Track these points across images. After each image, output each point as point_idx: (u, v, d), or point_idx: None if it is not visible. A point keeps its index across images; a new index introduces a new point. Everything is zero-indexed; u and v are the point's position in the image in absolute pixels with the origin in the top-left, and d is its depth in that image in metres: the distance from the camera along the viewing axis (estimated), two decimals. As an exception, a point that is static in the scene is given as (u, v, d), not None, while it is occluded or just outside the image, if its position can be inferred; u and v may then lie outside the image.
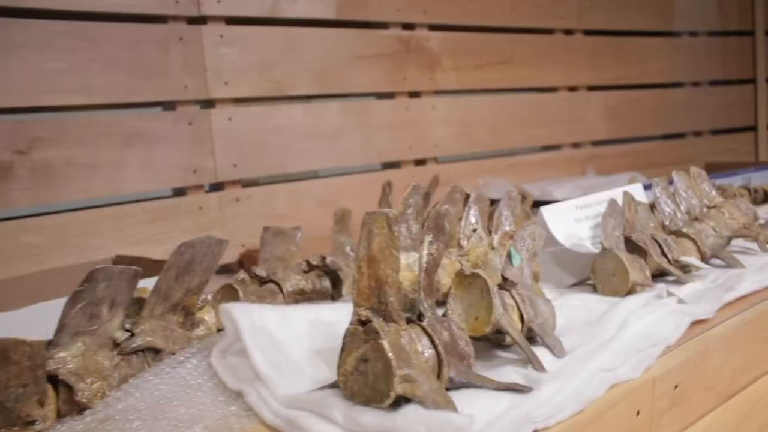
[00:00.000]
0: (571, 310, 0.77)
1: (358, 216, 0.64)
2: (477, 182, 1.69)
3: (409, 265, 0.78)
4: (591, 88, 1.95)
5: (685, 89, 2.17)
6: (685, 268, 0.93)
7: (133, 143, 1.26)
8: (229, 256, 1.28)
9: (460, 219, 0.94)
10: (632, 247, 0.90)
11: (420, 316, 0.59)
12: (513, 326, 0.63)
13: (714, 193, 1.12)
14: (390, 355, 0.53)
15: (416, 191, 0.84)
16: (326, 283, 0.94)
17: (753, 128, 2.33)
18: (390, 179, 1.05)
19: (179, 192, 1.33)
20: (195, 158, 1.33)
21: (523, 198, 1.48)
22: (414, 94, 1.61)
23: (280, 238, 0.95)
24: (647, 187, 1.76)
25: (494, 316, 0.62)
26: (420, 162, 1.63)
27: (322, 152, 1.47)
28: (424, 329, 0.58)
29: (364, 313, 0.56)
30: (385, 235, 0.56)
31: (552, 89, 1.88)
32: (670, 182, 1.08)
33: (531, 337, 0.67)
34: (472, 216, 0.92)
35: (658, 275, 0.92)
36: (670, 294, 0.80)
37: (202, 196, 1.35)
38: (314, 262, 0.89)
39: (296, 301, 0.86)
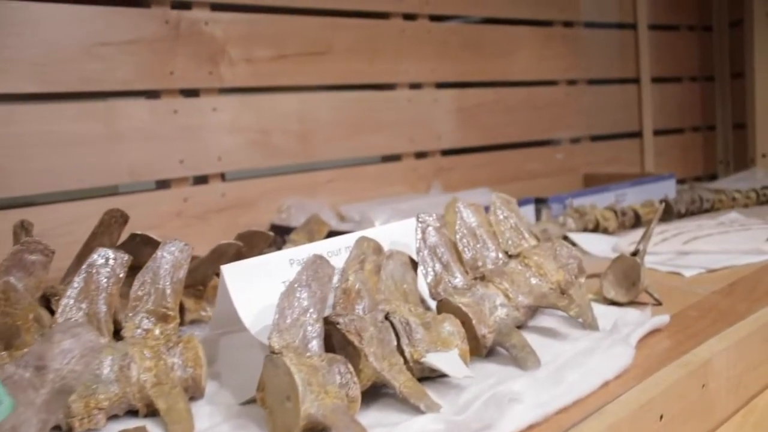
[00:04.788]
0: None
1: None
2: (280, 205, 1.34)
3: None
4: (439, 86, 1.60)
5: (559, 88, 1.85)
6: (437, 373, 0.59)
7: None
8: None
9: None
10: (341, 341, 0.55)
11: None
12: None
13: (525, 233, 0.78)
14: None
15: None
16: None
17: (638, 134, 2.02)
18: (115, 207, 0.73)
19: None
20: None
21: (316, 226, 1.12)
22: (188, 93, 1.24)
23: None
24: (525, 203, 1.38)
25: None
26: (200, 180, 1.26)
27: (47, 169, 1.09)
28: None
29: None
30: None
31: (388, 86, 1.52)
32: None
33: None
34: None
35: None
36: (361, 444, 0.45)
37: None
38: None
39: None
